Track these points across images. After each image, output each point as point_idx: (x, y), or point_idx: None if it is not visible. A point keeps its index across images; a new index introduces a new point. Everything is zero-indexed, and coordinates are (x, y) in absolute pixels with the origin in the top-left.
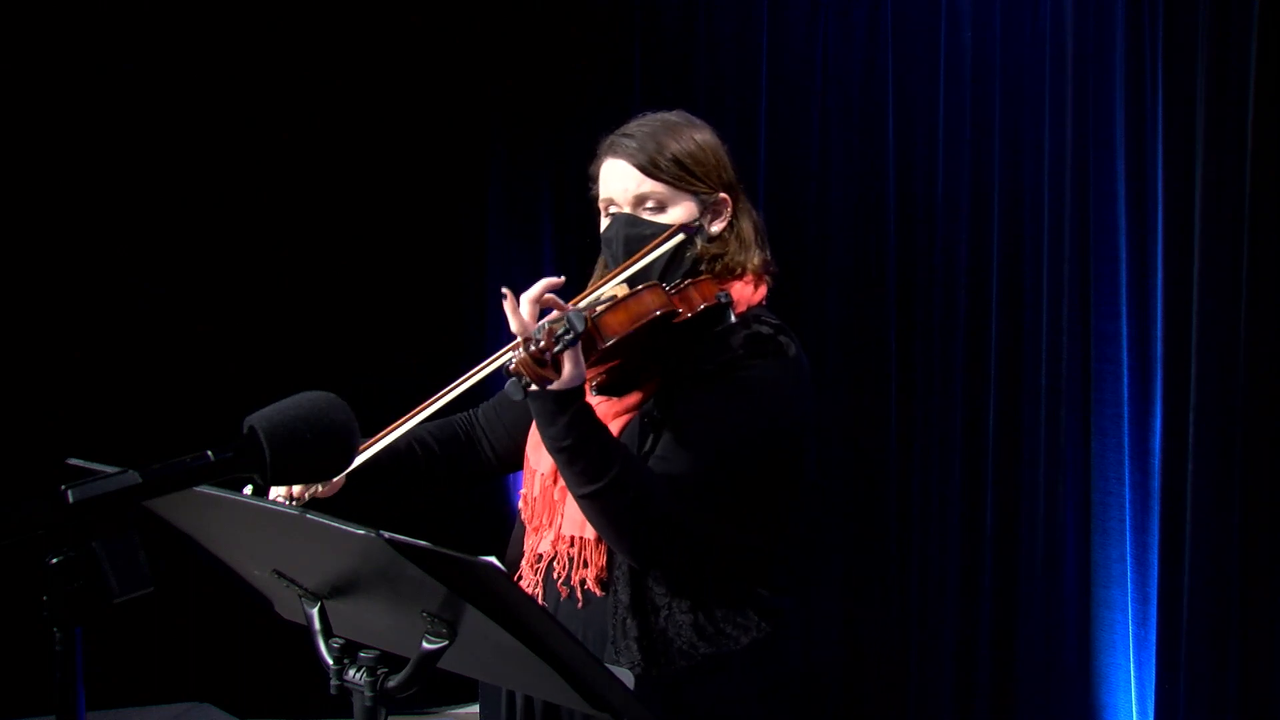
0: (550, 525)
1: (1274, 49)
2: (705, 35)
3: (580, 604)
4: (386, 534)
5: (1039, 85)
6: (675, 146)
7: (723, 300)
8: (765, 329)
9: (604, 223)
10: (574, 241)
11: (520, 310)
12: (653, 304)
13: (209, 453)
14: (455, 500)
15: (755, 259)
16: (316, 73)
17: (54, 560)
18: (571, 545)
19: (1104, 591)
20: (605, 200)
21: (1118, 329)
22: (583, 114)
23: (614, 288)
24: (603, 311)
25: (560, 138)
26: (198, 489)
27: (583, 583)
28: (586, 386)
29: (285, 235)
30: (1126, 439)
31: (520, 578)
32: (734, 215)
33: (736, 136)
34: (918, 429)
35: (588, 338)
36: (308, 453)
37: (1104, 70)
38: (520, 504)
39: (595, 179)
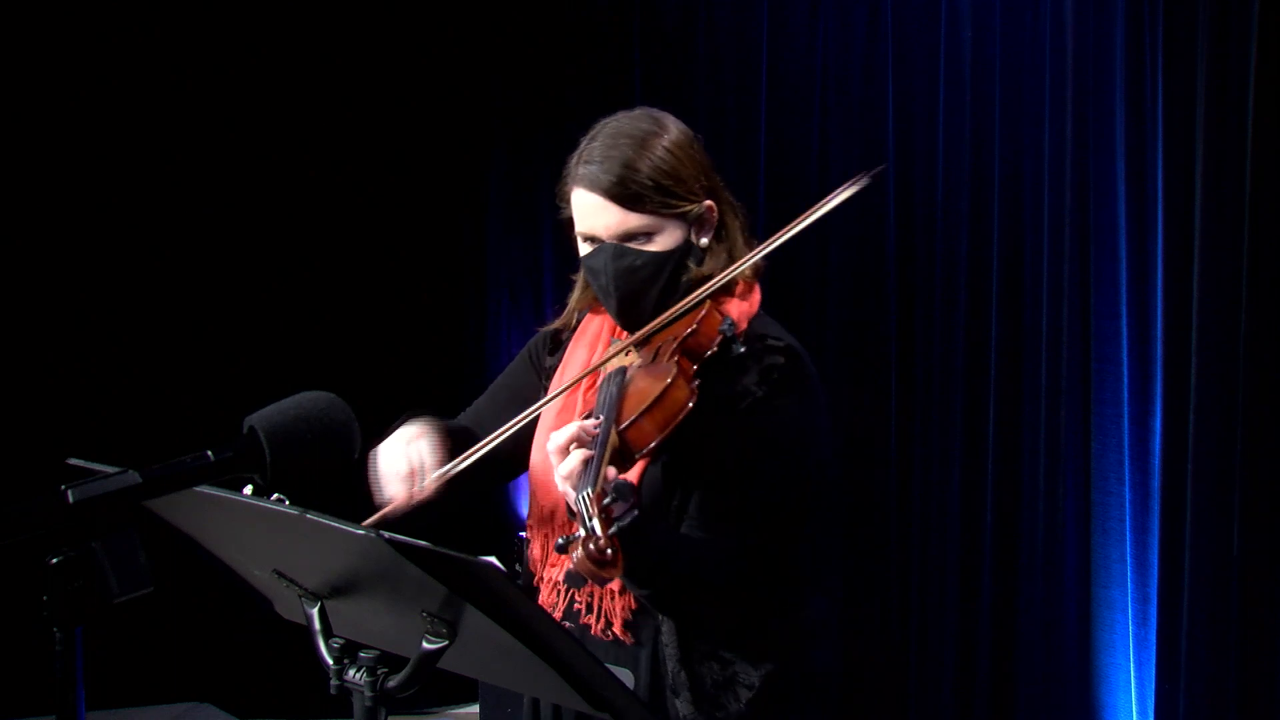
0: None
1: (1274, 49)
2: (705, 35)
3: (609, 639)
4: (386, 534)
5: (1039, 85)
6: (649, 167)
7: (727, 334)
8: (778, 358)
9: (584, 247)
10: (574, 242)
11: (561, 462)
12: (682, 400)
13: (209, 453)
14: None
15: (748, 266)
16: (317, 74)
17: (54, 560)
18: (592, 595)
19: (1104, 591)
20: (584, 233)
21: (1118, 329)
22: (583, 114)
23: (623, 358)
24: (629, 425)
25: (560, 138)
26: (198, 489)
27: (604, 630)
28: None
29: (286, 235)
30: (1126, 439)
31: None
32: (721, 220)
33: (737, 136)
34: (918, 429)
35: (624, 452)
36: (308, 452)
37: (1104, 70)
38: (530, 540)
39: (565, 201)
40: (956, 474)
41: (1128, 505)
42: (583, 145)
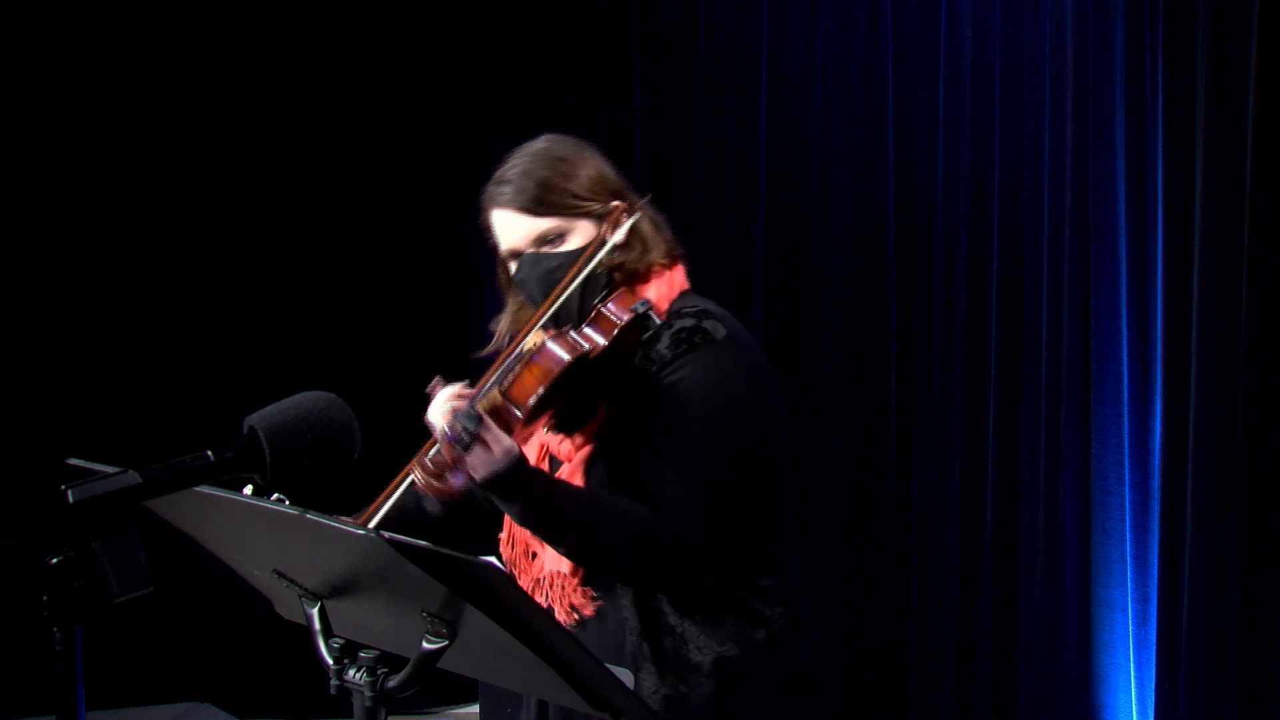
0: (532, 561)
1: (1274, 49)
2: (705, 35)
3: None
4: (386, 534)
5: (1039, 85)
6: (554, 176)
7: (639, 310)
8: (688, 321)
9: (512, 268)
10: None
11: (434, 415)
12: (560, 355)
13: (209, 453)
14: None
15: (658, 253)
16: (317, 74)
17: (54, 560)
18: (552, 583)
19: (1104, 591)
20: (506, 252)
21: (1118, 329)
22: (583, 114)
23: (533, 338)
24: (511, 380)
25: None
26: (198, 489)
27: (571, 609)
28: (540, 434)
29: (285, 235)
30: (1126, 439)
31: None
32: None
33: (737, 136)
34: (918, 429)
35: (505, 410)
36: (308, 452)
37: (1104, 70)
38: (500, 547)
39: (488, 231)
40: (956, 474)
41: (1128, 505)
42: (494, 175)
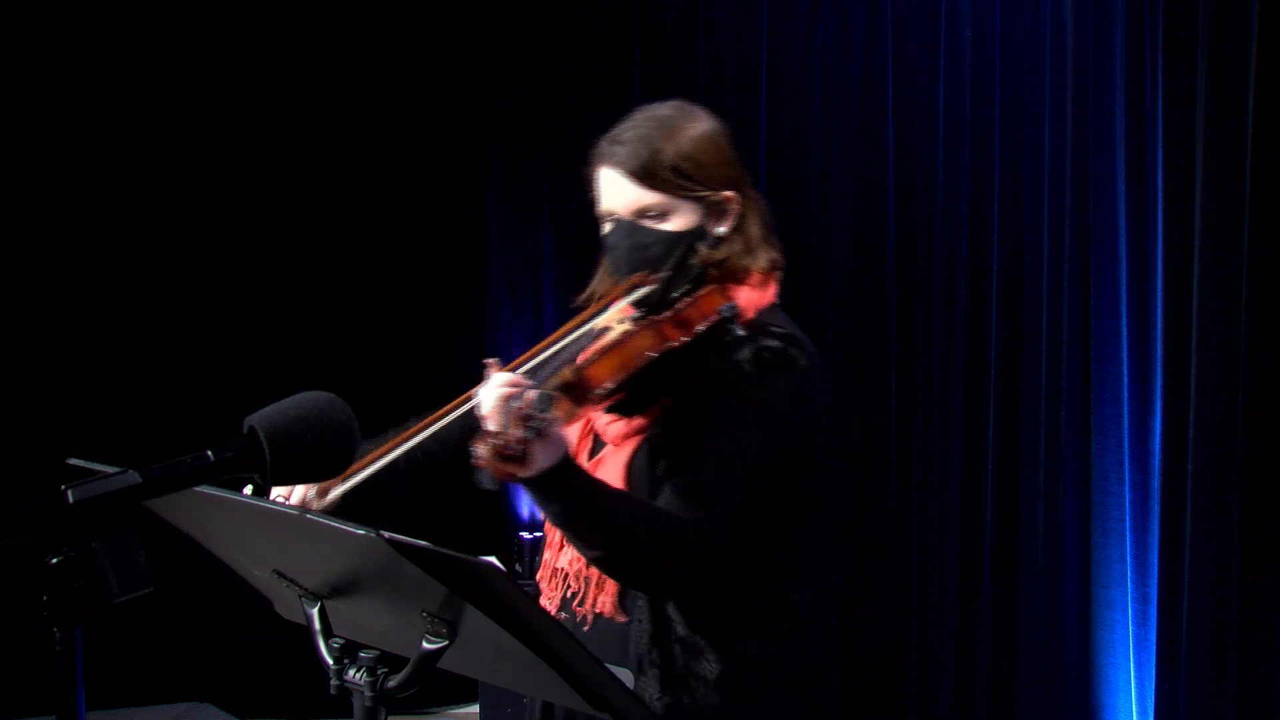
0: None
1: (1274, 49)
2: (705, 35)
3: (592, 627)
4: (386, 534)
5: (1039, 85)
6: (671, 150)
7: (725, 314)
8: (774, 342)
9: (605, 227)
10: (574, 241)
11: (485, 400)
12: (643, 346)
13: (209, 453)
14: (455, 500)
15: (762, 259)
16: (317, 74)
17: (54, 560)
18: (588, 567)
19: (1104, 591)
20: (605, 211)
21: (1118, 329)
22: (583, 114)
23: (609, 318)
24: (590, 361)
25: (560, 137)
26: (198, 489)
27: (594, 606)
28: (590, 417)
29: (286, 235)
30: (1126, 439)
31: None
32: (741, 212)
33: (737, 136)
34: (918, 429)
35: (579, 390)
36: (308, 452)
37: (1104, 70)
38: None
39: (591, 183)
40: (956, 474)
41: (1128, 505)
42: (612, 130)
